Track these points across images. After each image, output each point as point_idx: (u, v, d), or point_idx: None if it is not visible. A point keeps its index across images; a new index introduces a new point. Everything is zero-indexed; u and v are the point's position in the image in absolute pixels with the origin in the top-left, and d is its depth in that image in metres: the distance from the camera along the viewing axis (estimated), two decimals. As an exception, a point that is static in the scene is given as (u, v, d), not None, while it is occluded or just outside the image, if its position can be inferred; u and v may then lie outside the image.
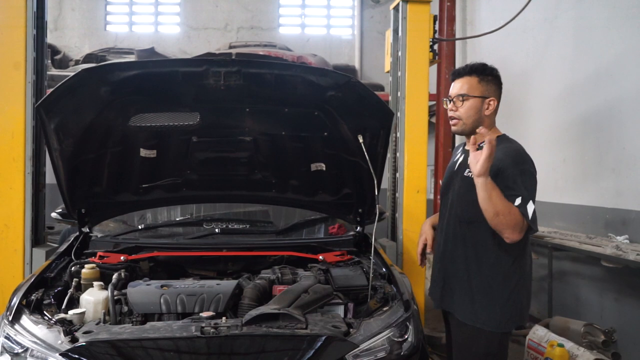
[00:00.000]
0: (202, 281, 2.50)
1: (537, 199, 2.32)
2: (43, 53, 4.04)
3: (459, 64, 6.85)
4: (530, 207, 2.19)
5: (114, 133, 2.56)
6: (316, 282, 2.47)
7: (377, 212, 2.59)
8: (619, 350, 3.88)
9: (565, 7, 4.93)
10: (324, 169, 2.86)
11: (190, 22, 8.99)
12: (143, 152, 2.65)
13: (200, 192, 3.01)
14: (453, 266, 2.44)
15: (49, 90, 2.48)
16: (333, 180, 2.94)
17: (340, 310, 2.42)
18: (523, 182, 2.23)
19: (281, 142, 2.76)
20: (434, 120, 7.28)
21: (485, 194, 2.12)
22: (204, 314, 2.20)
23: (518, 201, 2.17)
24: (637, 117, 4.05)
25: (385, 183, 4.71)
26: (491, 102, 2.38)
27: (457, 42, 6.89)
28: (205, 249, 2.87)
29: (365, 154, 2.54)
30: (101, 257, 2.73)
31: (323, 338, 1.99)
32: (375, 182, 2.56)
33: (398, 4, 4.35)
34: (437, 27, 4.38)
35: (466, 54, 6.89)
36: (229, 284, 2.43)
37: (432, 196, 7.07)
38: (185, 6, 9.04)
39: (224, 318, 2.13)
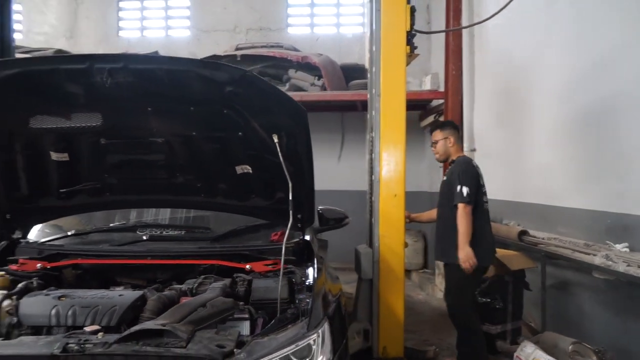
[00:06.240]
0: (106, 292, 2.36)
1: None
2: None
3: (465, 57, 6.48)
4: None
5: (16, 136, 2.46)
6: (219, 294, 2.27)
7: (291, 219, 2.36)
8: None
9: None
10: (251, 171, 2.66)
11: (200, 25, 9.00)
12: (54, 156, 2.54)
13: (124, 197, 2.87)
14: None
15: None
16: (263, 183, 2.74)
17: (246, 325, 2.22)
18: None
19: (196, 143, 2.58)
20: (442, 119, 6.94)
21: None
22: (88, 328, 2.06)
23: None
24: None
25: (365, 186, 4.47)
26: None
27: (465, 36, 6.51)
28: (130, 256, 2.73)
29: (280, 154, 2.33)
30: (22, 264, 2.64)
31: (191, 359, 1.80)
32: (290, 185, 2.35)
33: (372, -5, 4.09)
34: (414, 20, 4.07)
35: (473, 48, 6.49)
36: (131, 296, 2.28)
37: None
38: (195, 9, 9.05)
39: (100, 333, 1.98)
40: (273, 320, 2.19)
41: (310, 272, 2.60)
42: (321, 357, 2.05)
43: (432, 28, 8.39)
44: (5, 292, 2.33)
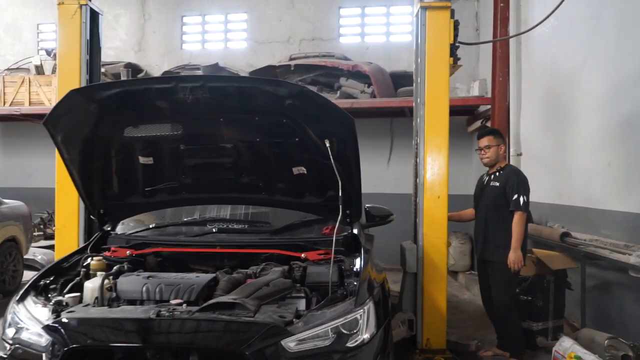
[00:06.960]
0: (184, 274, 2.80)
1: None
2: (98, 77, 4.63)
3: (512, 64, 6.64)
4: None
5: (113, 143, 2.96)
6: (279, 277, 2.66)
7: (340, 214, 2.73)
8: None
9: (608, 2, 4.66)
10: (306, 172, 3.05)
11: (256, 37, 9.52)
12: (141, 160, 3.03)
13: (197, 195, 3.33)
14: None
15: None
16: (316, 182, 3.11)
17: (302, 302, 2.59)
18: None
19: (259, 148, 3.00)
20: (489, 125, 7.11)
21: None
22: (173, 301, 2.50)
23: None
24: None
25: (410, 188, 4.76)
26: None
27: (512, 43, 6.68)
28: (202, 246, 3.17)
29: (331, 157, 2.69)
30: (114, 252, 3.14)
31: (258, 325, 2.20)
32: (340, 184, 2.71)
33: (418, 10, 4.39)
34: (458, 33, 4.35)
35: (520, 55, 6.65)
36: (206, 277, 2.71)
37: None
38: (252, 22, 9.59)
39: (184, 305, 2.41)
40: (325, 299, 2.56)
41: (358, 261, 2.95)
42: (367, 333, 2.39)
43: (480, 35, 8.56)
44: (104, 273, 2.82)
